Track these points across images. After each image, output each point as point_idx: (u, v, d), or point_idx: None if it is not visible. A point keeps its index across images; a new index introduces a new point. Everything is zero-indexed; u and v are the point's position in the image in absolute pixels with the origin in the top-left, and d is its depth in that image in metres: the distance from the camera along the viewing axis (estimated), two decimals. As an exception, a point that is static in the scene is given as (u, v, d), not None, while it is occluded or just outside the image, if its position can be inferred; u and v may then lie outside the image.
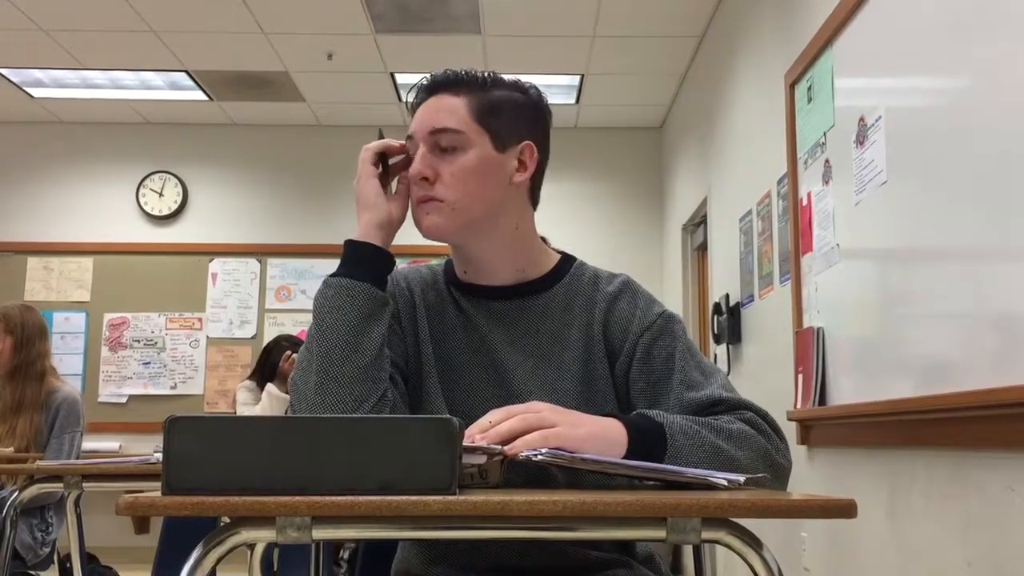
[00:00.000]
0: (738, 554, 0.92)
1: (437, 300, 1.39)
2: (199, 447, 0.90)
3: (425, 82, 1.37)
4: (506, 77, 1.40)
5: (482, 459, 1.06)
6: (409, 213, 1.37)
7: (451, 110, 1.32)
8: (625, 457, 1.12)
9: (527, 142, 1.36)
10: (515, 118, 1.36)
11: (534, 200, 1.40)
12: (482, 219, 1.33)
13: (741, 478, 1.00)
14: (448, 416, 0.93)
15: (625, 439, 1.13)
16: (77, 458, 3.50)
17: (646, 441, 1.14)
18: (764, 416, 1.25)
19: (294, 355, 4.52)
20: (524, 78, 1.44)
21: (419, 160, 1.31)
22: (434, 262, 1.48)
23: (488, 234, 1.34)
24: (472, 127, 1.32)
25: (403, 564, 1.36)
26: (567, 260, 1.42)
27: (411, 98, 1.39)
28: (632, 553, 1.35)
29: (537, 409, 1.12)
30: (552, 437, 1.07)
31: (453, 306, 1.38)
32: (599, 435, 1.12)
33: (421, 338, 1.36)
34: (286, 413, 4.41)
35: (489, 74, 1.37)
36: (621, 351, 1.32)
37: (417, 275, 1.43)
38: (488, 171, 1.32)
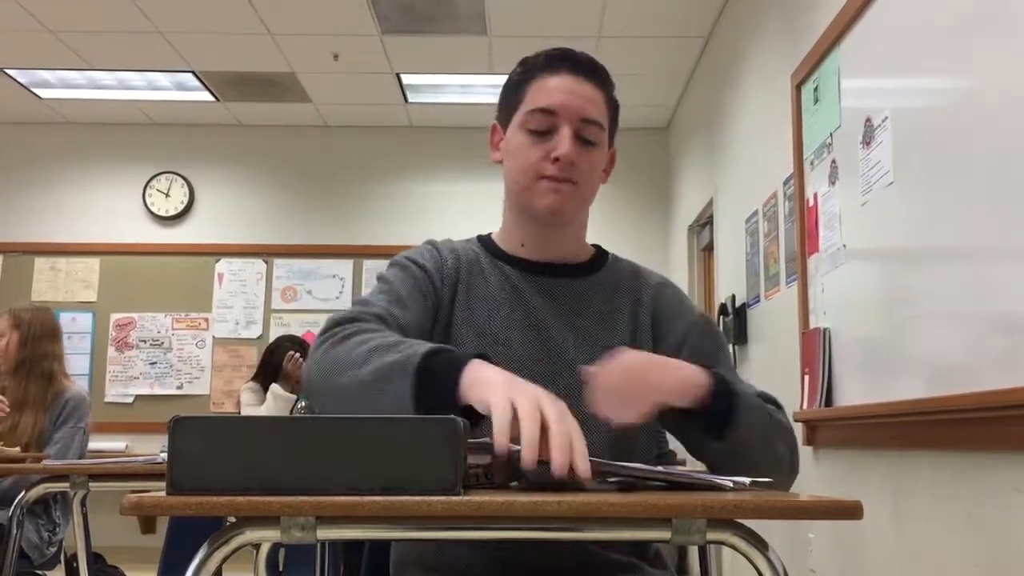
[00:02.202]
0: (743, 555, 0.92)
1: (484, 280, 1.39)
2: (204, 447, 0.90)
3: (566, 54, 1.39)
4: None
5: (486, 459, 1.06)
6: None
7: (597, 103, 1.37)
8: (698, 409, 1.14)
9: (614, 148, 1.46)
10: (617, 122, 1.45)
11: None
12: (586, 209, 1.42)
13: (747, 480, 1.00)
14: (452, 416, 0.93)
15: (707, 395, 1.15)
16: (83, 457, 3.51)
17: (719, 403, 1.16)
18: (782, 410, 1.31)
19: (297, 355, 4.53)
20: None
21: (570, 144, 1.32)
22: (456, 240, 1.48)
23: (578, 221, 1.44)
24: (607, 124, 1.39)
25: (405, 556, 1.35)
26: (602, 250, 1.50)
27: (537, 60, 1.39)
28: (644, 555, 1.34)
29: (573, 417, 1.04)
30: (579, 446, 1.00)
31: (502, 279, 1.39)
32: (684, 384, 1.15)
33: (457, 310, 1.36)
34: (290, 413, 4.43)
35: (604, 68, 1.44)
36: (669, 338, 1.38)
37: (461, 250, 1.43)
38: (601, 167, 1.42)
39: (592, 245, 1.49)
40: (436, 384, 1.09)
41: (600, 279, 1.43)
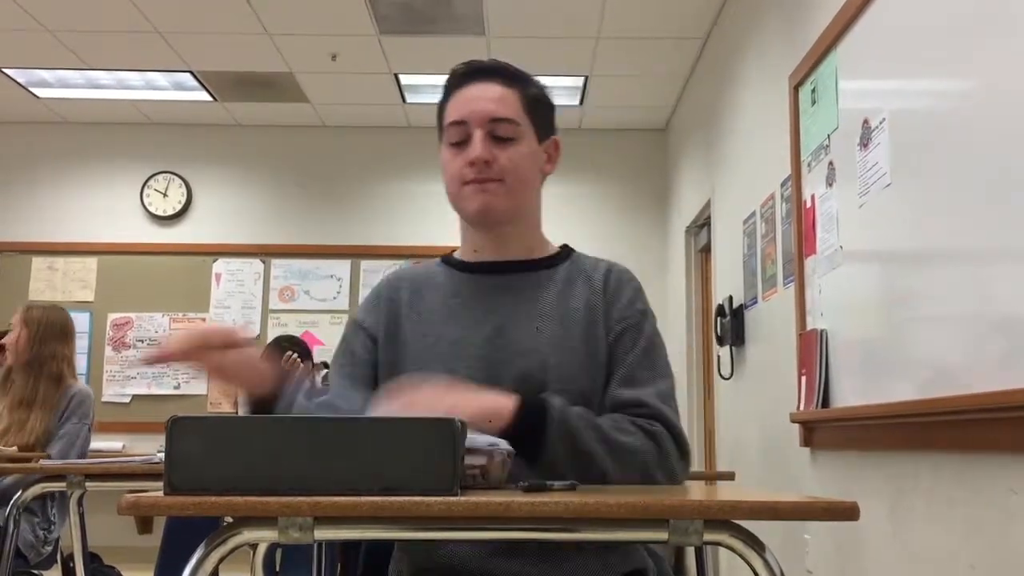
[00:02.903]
0: (740, 556, 0.92)
1: (433, 292, 1.46)
2: (202, 447, 0.90)
3: (470, 67, 1.45)
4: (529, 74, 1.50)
5: (483, 460, 1.06)
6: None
7: (505, 100, 1.42)
8: (504, 434, 1.20)
9: (555, 137, 1.50)
10: (547, 113, 1.49)
11: None
12: (524, 204, 1.44)
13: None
14: (451, 417, 0.93)
15: (509, 417, 1.24)
16: (84, 453, 3.51)
17: (524, 425, 1.23)
18: (674, 432, 1.33)
19: (295, 356, 4.52)
20: (550, 98, 1.52)
21: (481, 145, 1.38)
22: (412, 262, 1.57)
23: (521, 217, 1.46)
24: (524, 119, 1.43)
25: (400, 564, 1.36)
26: (568, 249, 1.53)
27: (450, 79, 1.46)
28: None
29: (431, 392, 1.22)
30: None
31: (452, 292, 1.45)
32: (484, 411, 1.23)
33: (405, 325, 1.44)
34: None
35: (519, 69, 1.48)
36: (608, 322, 1.42)
37: (410, 275, 1.51)
38: (534, 161, 1.45)
39: (561, 246, 1.53)
40: None
41: (559, 271, 1.47)
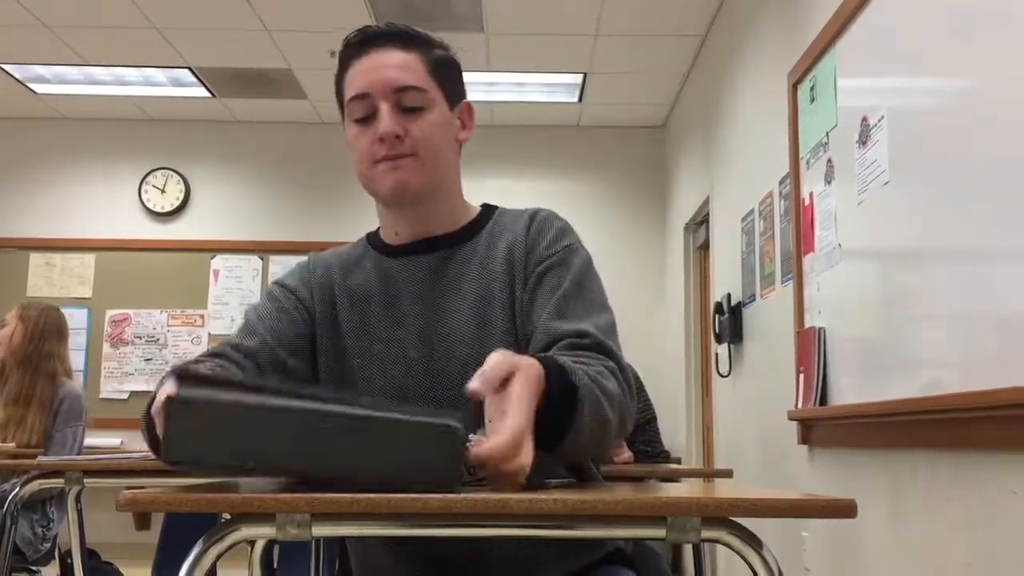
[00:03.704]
0: (738, 553, 0.92)
1: (364, 279, 1.38)
2: (202, 426, 0.89)
3: (365, 33, 1.34)
4: (432, 35, 1.39)
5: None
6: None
7: (409, 67, 1.31)
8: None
9: (466, 101, 1.39)
10: (455, 75, 1.38)
11: None
12: (441, 178, 1.34)
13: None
14: (449, 422, 0.93)
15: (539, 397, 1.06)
16: (79, 453, 3.51)
17: (557, 412, 1.08)
18: (622, 367, 1.21)
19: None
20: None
21: (390, 119, 1.28)
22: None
23: (439, 191, 1.35)
24: (432, 85, 1.32)
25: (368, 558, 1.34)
26: (490, 208, 1.43)
27: (345, 51, 1.34)
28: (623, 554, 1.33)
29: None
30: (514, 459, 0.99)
31: (381, 281, 1.36)
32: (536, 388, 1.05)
33: (341, 315, 1.35)
34: None
35: (420, 31, 1.37)
36: (523, 276, 1.31)
37: (337, 259, 1.42)
38: (447, 129, 1.34)
39: (482, 206, 1.43)
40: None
41: (481, 237, 1.37)
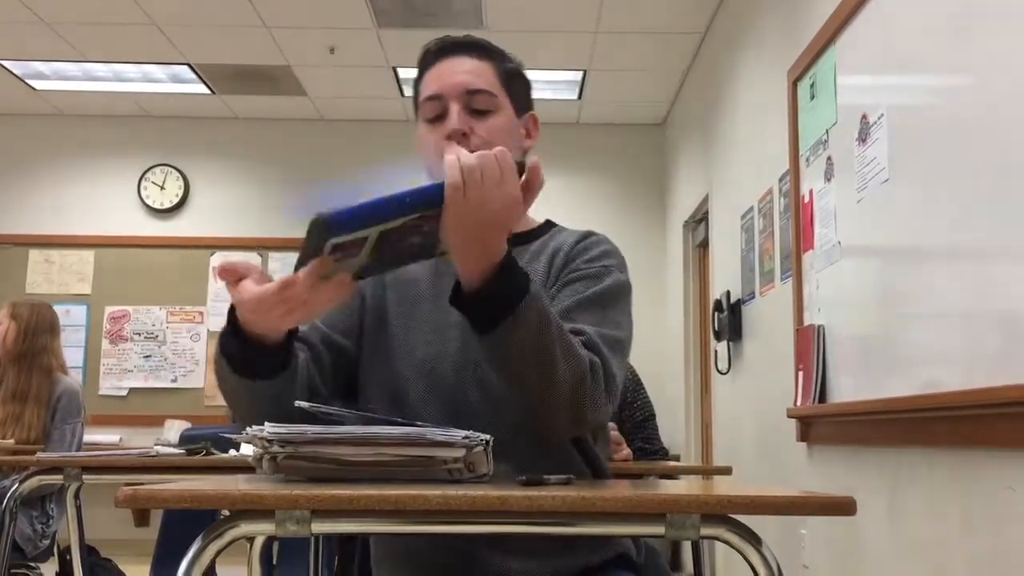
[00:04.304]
0: (737, 550, 0.92)
1: (415, 271, 1.41)
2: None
3: (443, 43, 1.42)
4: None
5: (461, 452, 1.06)
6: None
7: (481, 73, 1.39)
8: (478, 291, 1.12)
9: (532, 112, 1.45)
10: (524, 88, 1.44)
11: None
12: None
13: (460, 434, 1.05)
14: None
15: (493, 272, 1.12)
16: (78, 449, 3.51)
17: (504, 287, 1.12)
18: (607, 369, 1.21)
19: None
20: (527, 74, 1.49)
21: (457, 118, 1.35)
22: None
23: None
24: (501, 91, 1.39)
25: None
26: (550, 224, 1.48)
27: (424, 57, 1.44)
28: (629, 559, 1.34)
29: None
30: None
31: (433, 269, 1.40)
32: (480, 242, 1.11)
33: (390, 310, 1.40)
34: None
35: (494, 45, 1.44)
36: (555, 279, 1.35)
37: None
38: (512, 135, 1.39)
39: (544, 221, 1.48)
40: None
41: (531, 246, 1.41)
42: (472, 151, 1.26)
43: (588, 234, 1.42)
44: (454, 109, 1.36)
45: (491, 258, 1.12)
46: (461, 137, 1.34)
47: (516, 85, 1.42)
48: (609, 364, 1.22)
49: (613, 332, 1.27)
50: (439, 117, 1.38)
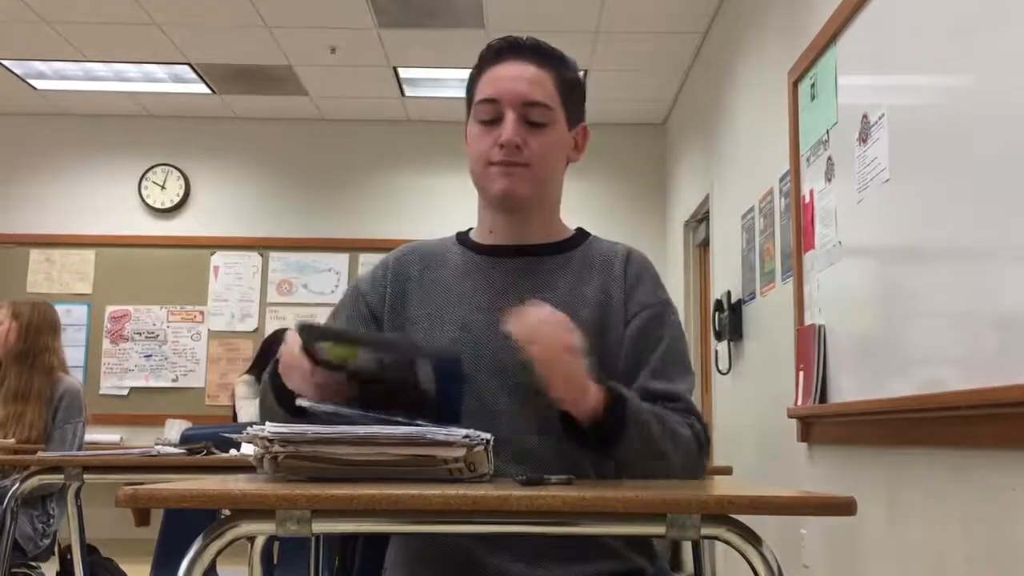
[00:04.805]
0: (737, 550, 0.92)
1: (444, 272, 1.44)
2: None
3: (505, 43, 1.42)
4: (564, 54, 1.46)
5: (462, 452, 1.06)
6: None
7: (541, 83, 1.39)
8: (586, 429, 1.22)
9: (583, 124, 1.46)
10: (579, 99, 1.45)
11: None
12: (549, 190, 1.42)
13: (461, 433, 1.09)
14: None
15: (599, 409, 1.23)
16: (79, 449, 3.51)
17: (608, 419, 1.23)
18: (705, 429, 1.34)
19: None
20: (583, 82, 1.49)
21: (513, 129, 1.36)
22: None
23: (544, 203, 1.44)
24: (558, 104, 1.39)
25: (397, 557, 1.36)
26: (583, 233, 1.50)
27: (484, 53, 1.43)
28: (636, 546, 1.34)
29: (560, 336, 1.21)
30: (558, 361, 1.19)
31: (463, 273, 1.43)
32: (580, 393, 1.22)
33: (412, 304, 1.42)
34: None
35: (556, 48, 1.44)
36: (627, 310, 1.39)
37: (419, 253, 1.48)
38: (562, 148, 1.42)
39: (576, 228, 1.51)
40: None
41: (573, 257, 1.44)
42: (522, 164, 1.36)
43: (628, 254, 1.45)
44: (510, 118, 1.36)
45: (589, 402, 1.22)
46: (514, 148, 1.36)
47: (573, 96, 1.43)
48: (702, 419, 1.35)
49: (692, 379, 1.40)
50: (493, 121, 1.38)
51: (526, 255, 1.42)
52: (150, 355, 6.52)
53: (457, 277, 1.42)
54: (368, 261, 6.47)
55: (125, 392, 6.47)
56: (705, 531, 0.91)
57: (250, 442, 1.10)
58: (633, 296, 1.39)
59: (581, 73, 1.47)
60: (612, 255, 1.44)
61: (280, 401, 1.27)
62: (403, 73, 5.79)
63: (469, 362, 1.32)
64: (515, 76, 1.38)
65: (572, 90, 1.42)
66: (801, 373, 3.14)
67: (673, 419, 1.29)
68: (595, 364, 1.27)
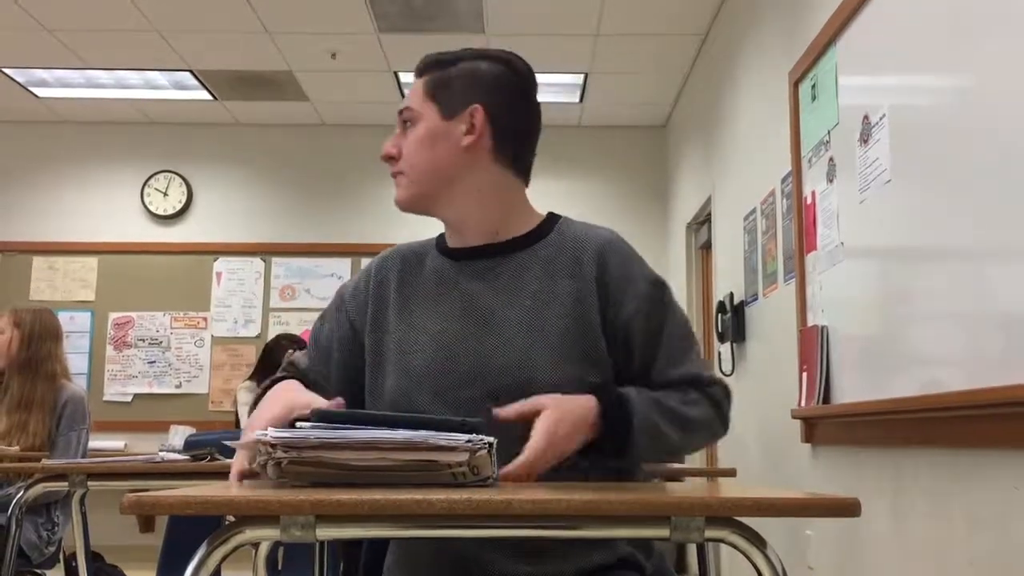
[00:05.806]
0: (742, 553, 0.92)
1: (419, 278, 1.46)
2: None
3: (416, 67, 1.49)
4: (487, 50, 1.47)
5: (464, 456, 1.06)
6: None
7: (414, 91, 1.44)
8: (591, 443, 1.27)
9: (475, 106, 1.40)
10: (466, 86, 1.41)
11: (514, 164, 1.44)
12: (438, 186, 1.42)
13: (463, 438, 1.09)
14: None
15: (595, 426, 1.27)
16: (84, 456, 3.51)
17: (612, 434, 1.28)
18: (726, 390, 1.39)
19: (294, 353, 4.52)
20: (469, 70, 1.46)
21: (388, 140, 1.44)
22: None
23: (450, 199, 1.42)
24: (423, 102, 1.42)
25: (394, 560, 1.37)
26: (552, 219, 1.47)
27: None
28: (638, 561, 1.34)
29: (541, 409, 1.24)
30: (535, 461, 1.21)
31: (437, 279, 1.44)
32: (573, 430, 1.25)
33: (392, 313, 1.43)
34: None
35: (466, 51, 1.46)
36: (620, 310, 1.36)
37: (401, 257, 1.50)
38: (435, 139, 1.40)
39: (547, 214, 1.47)
40: None
41: (537, 250, 1.41)
42: (397, 172, 1.42)
43: (601, 247, 1.40)
44: (394, 134, 1.44)
45: (589, 429, 1.27)
46: (389, 159, 1.42)
47: (449, 89, 1.41)
48: (722, 381, 1.40)
49: (699, 345, 1.44)
50: None
51: (492, 255, 1.41)
52: (153, 361, 6.53)
53: (431, 285, 1.43)
54: (370, 266, 6.47)
55: (129, 398, 6.48)
56: (709, 533, 0.90)
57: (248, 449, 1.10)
58: (625, 291, 1.37)
59: (502, 67, 1.43)
60: (582, 248, 1.39)
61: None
62: (404, 77, 5.79)
63: (441, 374, 1.34)
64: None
65: (447, 83, 1.41)
66: (804, 374, 3.14)
67: (681, 406, 1.33)
68: (580, 366, 1.32)
